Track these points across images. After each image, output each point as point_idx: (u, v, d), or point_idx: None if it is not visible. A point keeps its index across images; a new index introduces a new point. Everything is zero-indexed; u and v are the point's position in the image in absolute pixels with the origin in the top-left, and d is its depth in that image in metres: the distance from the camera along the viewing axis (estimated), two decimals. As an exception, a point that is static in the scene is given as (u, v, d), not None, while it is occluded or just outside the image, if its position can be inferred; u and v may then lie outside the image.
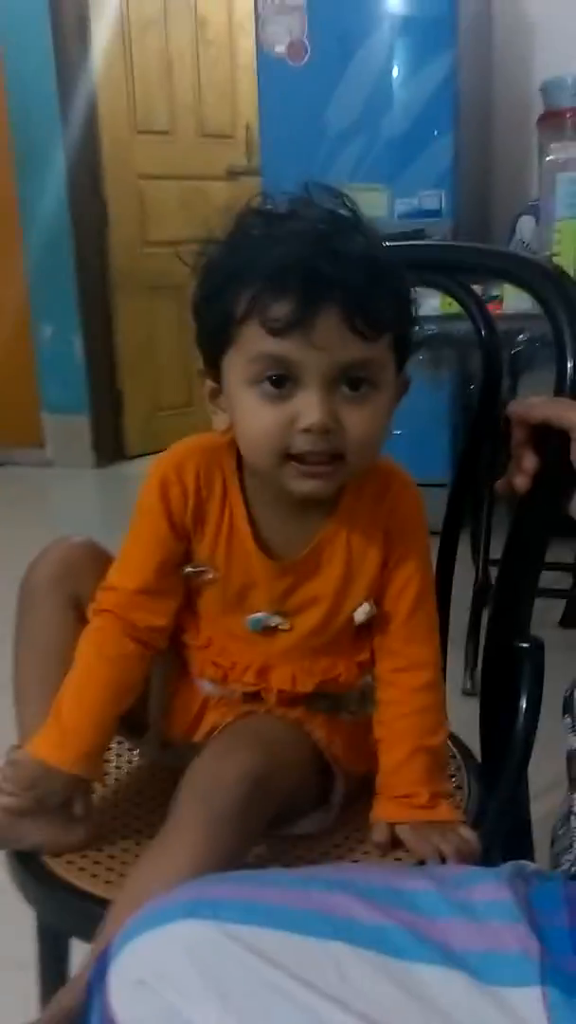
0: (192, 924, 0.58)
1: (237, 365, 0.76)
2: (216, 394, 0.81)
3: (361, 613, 0.86)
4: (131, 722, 0.92)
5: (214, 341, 0.77)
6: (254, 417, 0.75)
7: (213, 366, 0.79)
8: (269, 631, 0.87)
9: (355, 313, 0.71)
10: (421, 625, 0.87)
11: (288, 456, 0.75)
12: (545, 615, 2.33)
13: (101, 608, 0.85)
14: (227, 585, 0.86)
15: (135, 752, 0.99)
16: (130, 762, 0.98)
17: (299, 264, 0.71)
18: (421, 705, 0.85)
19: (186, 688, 0.90)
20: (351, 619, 0.86)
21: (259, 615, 0.86)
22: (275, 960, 0.56)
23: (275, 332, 0.72)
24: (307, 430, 0.73)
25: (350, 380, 0.74)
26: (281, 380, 0.73)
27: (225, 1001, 0.54)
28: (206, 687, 0.89)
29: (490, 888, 0.63)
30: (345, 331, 0.72)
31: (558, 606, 2.33)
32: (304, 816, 0.85)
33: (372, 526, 0.85)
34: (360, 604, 0.86)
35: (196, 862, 0.72)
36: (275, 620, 0.86)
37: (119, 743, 0.99)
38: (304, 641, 0.87)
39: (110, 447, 4.06)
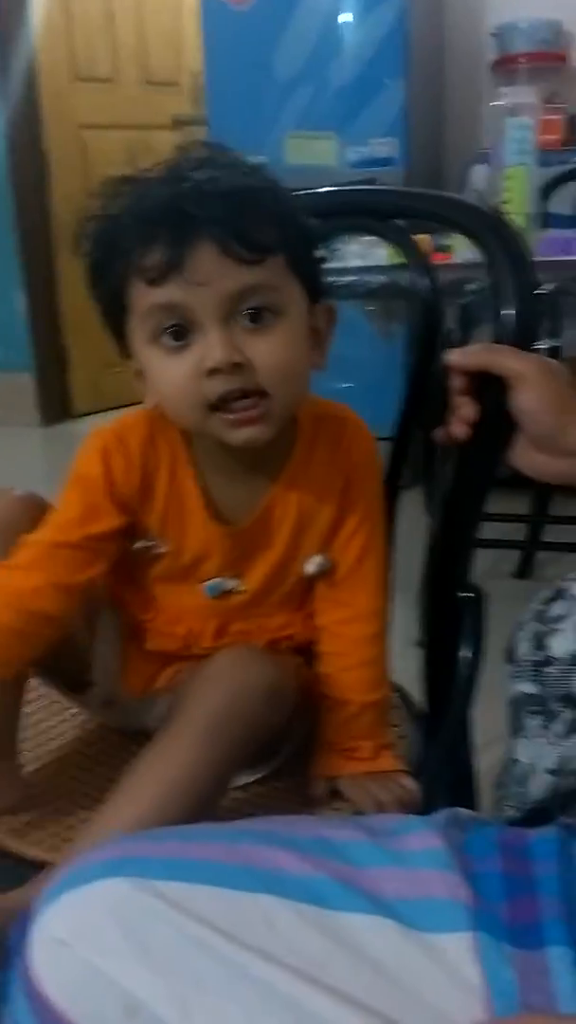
0: (116, 882, 0.56)
1: (136, 329, 0.75)
2: (140, 373, 0.79)
3: (312, 565, 0.85)
4: (70, 681, 0.91)
5: (113, 316, 0.76)
6: (164, 373, 0.74)
7: (125, 344, 0.78)
8: (225, 594, 0.86)
9: (229, 240, 0.70)
10: (370, 575, 0.86)
11: (211, 408, 0.73)
12: (500, 566, 2.35)
13: (15, 560, 0.80)
14: (179, 556, 0.84)
15: (72, 712, 0.97)
16: (65, 720, 0.96)
17: (163, 208, 0.70)
18: (366, 657, 0.85)
19: (140, 647, 0.89)
20: (301, 574, 0.85)
21: (216, 580, 0.85)
22: (201, 916, 0.55)
23: (154, 281, 0.71)
24: (215, 370, 0.71)
25: (250, 312, 0.72)
26: (179, 330, 0.72)
27: (149, 958, 0.53)
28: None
29: (423, 836, 0.62)
30: (224, 261, 0.70)
31: (512, 557, 2.35)
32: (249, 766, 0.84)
33: (329, 475, 0.83)
34: (311, 556, 0.85)
35: (197, 766, 0.73)
36: (231, 583, 0.85)
37: (55, 703, 0.97)
38: (258, 599, 0.86)
39: (56, 406, 3.99)
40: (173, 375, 0.73)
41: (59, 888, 0.58)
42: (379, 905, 0.57)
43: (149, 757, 0.76)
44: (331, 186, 1.00)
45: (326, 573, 0.86)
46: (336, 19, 2.76)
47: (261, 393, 0.73)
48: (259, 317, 0.72)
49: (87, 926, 0.55)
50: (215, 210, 0.69)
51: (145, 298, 0.72)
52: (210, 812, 0.76)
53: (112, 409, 3.96)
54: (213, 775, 0.75)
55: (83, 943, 0.54)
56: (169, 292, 0.71)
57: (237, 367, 0.72)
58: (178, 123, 4.09)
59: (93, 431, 0.83)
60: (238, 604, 0.86)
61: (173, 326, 0.72)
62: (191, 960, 0.53)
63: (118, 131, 3.95)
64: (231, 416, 0.74)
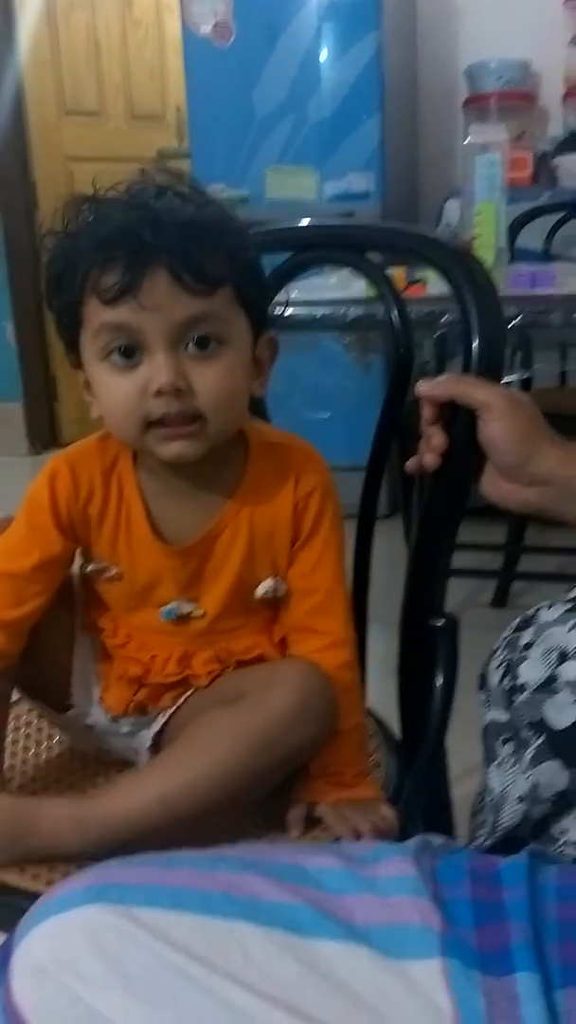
0: (95, 909, 0.57)
1: (87, 344, 0.78)
2: (89, 384, 0.82)
3: (262, 589, 0.86)
4: (53, 701, 0.92)
5: (67, 328, 0.80)
6: (110, 390, 0.78)
7: (76, 355, 0.81)
8: (183, 618, 0.87)
9: (181, 270, 0.73)
10: (341, 602, 0.87)
11: (149, 424, 0.77)
12: (477, 595, 2.37)
13: None
14: (132, 580, 0.86)
15: (56, 739, 0.97)
16: (42, 744, 0.97)
17: (122, 233, 0.74)
18: (345, 684, 0.85)
19: (119, 669, 0.90)
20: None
21: (170, 604, 0.86)
22: (179, 943, 0.56)
23: (108, 301, 0.74)
24: (159, 392, 0.75)
25: (196, 339, 0.76)
26: (128, 350, 0.76)
27: (128, 985, 0.54)
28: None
29: (395, 863, 0.64)
30: (175, 289, 0.73)
31: (489, 586, 2.37)
32: None
33: (279, 500, 0.85)
34: (262, 581, 0.86)
35: (237, 767, 0.77)
36: (187, 607, 0.87)
37: (39, 730, 0.98)
38: (217, 623, 0.87)
39: (44, 434, 4.01)
40: (119, 392, 0.77)
41: (40, 914, 0.59)
42: (352, 932, 0.58)
43: (199, 737, 0.80)
44: (309, 220, 1.03)
45: (288, 601, 0.87)
46: (314, 57, 2.82)
47: (198, 416, 0.77)
48: (205, 344, 0.76)
49: (66, 952, 0.56)
50: (171, 240, 0.73)
51: (98, 316, 0.75)
52: (218, 815, 0.79)
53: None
54: (247, 782, 0.78)
55: (62, 970, 0.55)
56: (121, 313, 0.74)
57: (179, 391, 0.75)
58: (163, 156, 4.14)
59: (52, 457, 0.86)
60: (198, 629, 0.87)
61: (122, 346, 0.75)
62: (170, 987, 0.54)
63: (105, 163, 3.99)
64: (165, 430, 0.77)
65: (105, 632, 0.90)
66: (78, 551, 0.88)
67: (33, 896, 0.63)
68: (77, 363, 0.82)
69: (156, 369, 0.75)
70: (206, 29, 2.89)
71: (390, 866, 0.63)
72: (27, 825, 0.78)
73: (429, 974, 0.55)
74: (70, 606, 0.91)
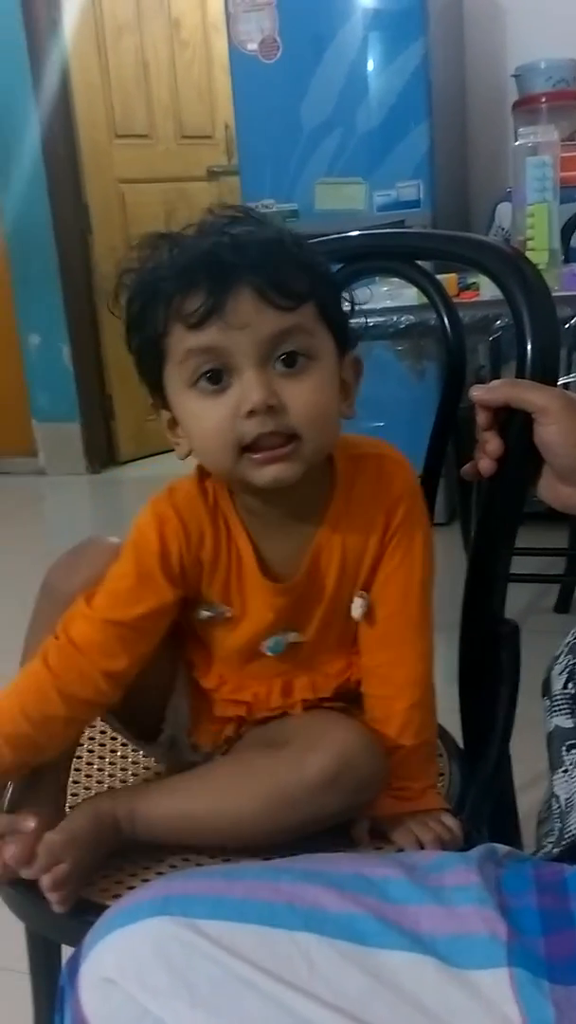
0: (160, 921, 0.58)
1: (173, 375, 0.77)
2: (173, 424, 0.81)
3: (356, 608, 0.84)
4: (142, 730, 0.92)
5: (151, 364, 0.78)
6: (200, 418, 0.76)
7: (160, 394, 0.80)
8: (288, 649, 0.86)
9: (265, 286, 0.72)
10: (416, 614, 0.85)
11: (242, 449, 0.75)
12: (539, 600, 2.33)
13: (54, 645, 0.82)
14: (244, 620, 0.84)
15: (132, 760, 0.98)
16: (133, 761, 0.98)
17: (203, 258, 0.73)
18: (416, 700, 0.84)
19: (207, 710, 0.89)
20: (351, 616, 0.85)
21: (276, 637, 0.85)
22: (243, 954, 0.56)
23: (194, 326, 0.73)
24: (251, 412, 0.73)
25: (283, 356, 0.74)
26: (216, 374, 0.74)
27: (194, 996, 0.54)
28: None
29: (460, 873, 0.63)
30: (261, 305, 0.72)
31: (552, 591, 2.33)
32: None
33: (370, 514, 0.83)
34: (355, 599, 0.85)
35: (282, 811, 0.77)
36: (291, 636, 0.85)
37: (112, 751, 0.98)
38: (316, 647, 0.86)
39: (102, 453, 4.07)
40: (210, 419, 0.75)
41: (107, 927, 0.60)
42: (418, 942, 0.57)
43: (231, 774, 0.81)
44: (358, 230, 1.03)
45: (367, 613, 0.85)
46: (361, 67, 2.82)
47: (293, 435, 0.75)
48: (293, 361, 0.74)
49: (133, 964, 0.56)
50: (252, 258, 0.72)
51: (184, 342, 0.74)
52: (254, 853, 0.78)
53: (155, 455, 4.04)
54: (264, 831, 0.78)
55: (129, 981, 0.56)
56: (209, 335, 0.73)
57: (272, 409, 0.73)
58: (212, 174, 4.19)
59: (150, 500, 0.83)
60: (299, 657, 0.86)
61: (210, 370, 0.74)
62: (235, 998, 0.54)
63: (155, 184, 4.06)
64: (259, 455, 0.75)
65: (198, 671, 0.89)
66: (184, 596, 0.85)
67: (99, 909, 0.63)
68: (161, 403, 0.80)
69: (247, 388, 0.73)
70: (253, 46, 2.91)
71: (454, 876, 0.63)
72: (103, 828, 0.81)
73: (496, 984, 0.55)
74: (174, 642, 0.89)
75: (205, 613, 0.85)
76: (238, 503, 0.83)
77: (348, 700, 0.88)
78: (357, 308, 0.83)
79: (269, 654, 0.85)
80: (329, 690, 0.87)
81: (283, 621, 0.85)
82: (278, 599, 0.83)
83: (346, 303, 0.81)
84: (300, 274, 0.75)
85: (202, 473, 0.83)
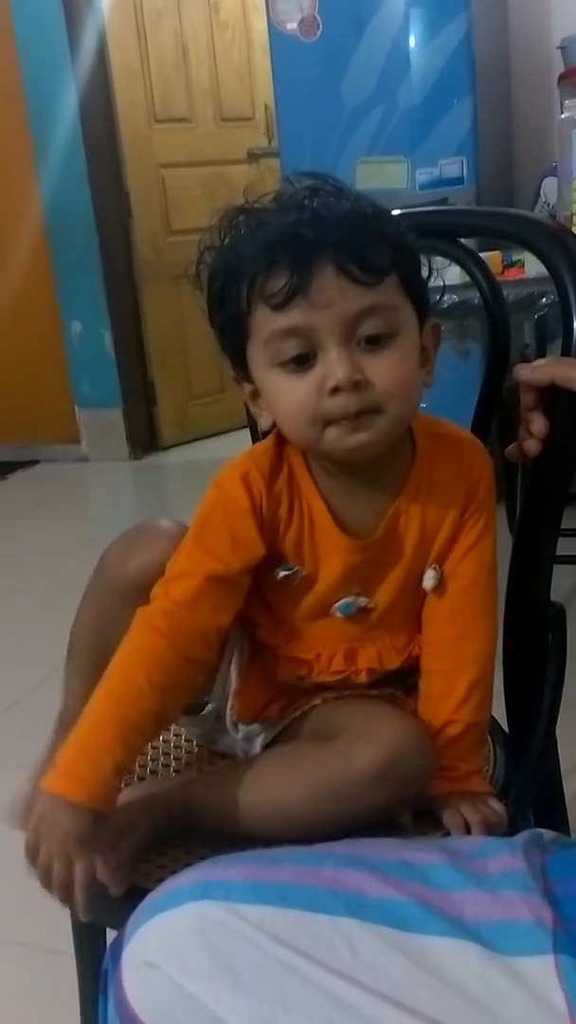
0: (202, 905, 0.58)
1: (258, 353, 0.77)
2: (256, 396, 0.81)
3: (428, 580, 0.85)
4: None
5: (233, 341, 0.79)
6: (286, 395, 0.76)
7: (243, 368, 0.80)
8: (357, 613, 0.86)
9: (348, 263, 0.72)
10: (485, 592, 0.85)
11: (327, 423, 0.76)
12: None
13: (159, 609, 0.80)
14: (318, 580, 0.84)
15: (178, 736, 0.98)
16: (176, 746, 0.98)
17: (283, 235, 0.72)
18: (478, 676, 0.84)
19: (260, 672, 0.90)
20: (422, 588, 0.85)
21: (347, 599, 0.85)
22: (285, 939, 0.56)
23: (278, 306, 0.73)
24: (336, 389, 0.73)
25: (367, 335, 0.74)
26: (301, 355, 0.74)
27: (235, 980, 0.54)
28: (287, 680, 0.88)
29: (504, 859, 0.62)
30: (344, 283, 0.72)
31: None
32: None
33: (452, 490, 0.84)
34: (427, 571, 0.85)
35: (330, 801, 0.76)
36: (362, 601, 0.85)
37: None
38: (385, 617, 0.86)
39: (144, 439, 4.08)
40: (295, 395, 0.75)
41: (149, 911, 0.60)
42: (461, 928, 0.57)
43: (280, 764, 0.82)
44: (399, 209, 1.01)
45: (437, 587, 0.85)
46: (402, 44, 2.77)
47: (376, 410, 0.75)
48: (376, 337, 0.74)
49: (175, 949, 0.56)
50: (333, 234, 0.72)
51: (269, 323, 0.74)
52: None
53: (197, 440, 4.05)
54: (310, 822, 0.77)
55: (172, 965, 0.56)
56: (293, 316, 0.73)
57: (356, 385, 0.74)
58: (252, 156, 4.17)
59: (230, 463, 0.84)
60: (368, 623, 0.86)
61: (297, 352, 0.74)
62: (277, 983, 0.54)
63: (195, 168, 4.05)
64: (346, 423, 0.75)
65: (263, 629, 0.89)
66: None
67: (142, 893, 0.63)
68: (244, 376, 0.81)
69: (331, 366, 0.73)
70: (292, 25, 2.88)
71: (499, 862, 0.62)
72: (155, 817, 0.83)
73: (542, 971, 0.54)
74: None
75: (283, 573, 0.84)
76: (315, 467, 0.83)
77: (406, 680, 0.88)
78: (435, 274, 0.81)
79: (339, 615, 0.85)
80: (396, 662, 0.87)
81: (355, 581, 0.85)
82: (353, 555, 0.83)
83: (425, 269, 0.80)
84: (382, 247, 0.74)
85: (279, 438, 0.83)
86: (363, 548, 0.83)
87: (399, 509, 0.83)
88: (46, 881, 0.76)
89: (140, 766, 0.94)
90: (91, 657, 0.89)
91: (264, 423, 0.82)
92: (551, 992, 0.53)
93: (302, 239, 0.72)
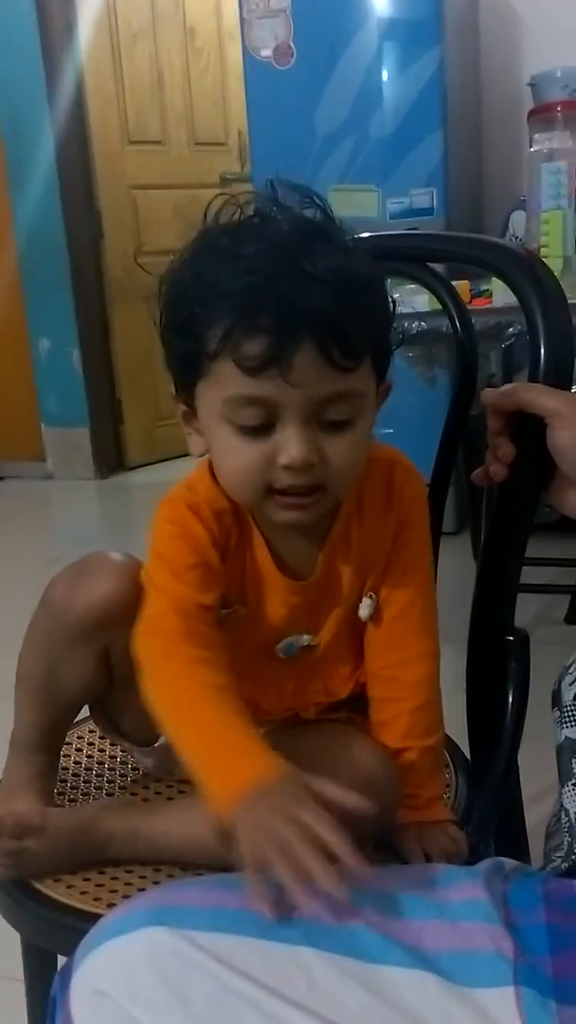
0: (155, 932, 0.56)
1: (212, 399, 0.73)
2: (190, 417, 0.78)
3: (364, 608, 0.84)
4: (135, 735, 0.91)
5: (186, 371, 0.74)
6: (233, 455, 0.73)
7: (185, 391, 0.76)
8: (300, 652, 0.84)
9: (331, 346, 0.68)
10: (422, 616, 0.84)
11: (270, 490, 0.73)
12: (549, 612, 2.31)
13: (159, 636, 0.76)
14: (258, 619, 0.82)
15: (121, 760, 0.97)
16: (113, 769, 0.96)
17: (269, 293, 0.67)
18: (423, 701, 0.83)
19: None
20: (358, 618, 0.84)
21: (289, 639, 0.84)
22: (240, 968, 0.54)
23: (250, 372, 0.68)
24: (288, 467, 0.71)
25: (330, 415, 0.71)
26: (261, 426, 0.71)
27: (188, 1011, 0.53)
28: None
29: (466, 887, 0.61)
30: (322, 365, 0.68)
31: (562, 602, 2.31)
32: None
33: (382, 518, 0.82)
34: (363, 600, 0.84)
35: None
36: (305, 639, 0.84)
37: (107, 754, 0.97)
38: (329, 650, 0.85)
39: (111, 458, 4.06)
40: (243, 460, 0.72)
41: (100, 937, 0.58)
42: (420, 958, 0.56)
43: None
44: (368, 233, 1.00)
45: (374, 614, 0.84)
46: (375, 75, 2.81)
47: (322, 487, 0.73)
48: (339, 424, 0.72)
49: (126, 976, 0.55)
50: (320, 301, 0.67)
51: (234, 384, 0.70)
52: None
53: (163, 460, 4.03)
54: None
55: (122, 994, 0.54)
56: (263, 387, 0.69)
57: (310, 466, 0.71)
58: (225, 181, 4.19)
59: (169, 496, 0.80)
60: (311, 661, 0.85)
61: (255, 418, 0.70)
62: (232, 1013, 0.53)
63: (168, 191, 4.06)
64: (287, 499, 0.73)
65: None
66: None
67: (93, 918, 0.62)
68: (185, 400, 0.77)
69: (288, 442, 0.70)
70: (267, 53, 2.91)
71: (460, 891, 0.61)
72: (85, 834, 0.81)
73: (501, 1002, 0.53)
74: None
75: (222, 611, 0.82)
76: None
77: (357, 706, 0.87)
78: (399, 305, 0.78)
79: (282, 656, 0.84)
80: (343, 692, 0.86)
81: (298, 621, 0.83)
82: (293, 597, 0.82)
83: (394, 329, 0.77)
84: (366, 327, 0.71)
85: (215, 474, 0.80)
86: (302, 589, 0.82)
87: (334, 545, 0.81)
88: (291, 863, 0.59)
89: (85, 782, 0.92)
90: (41, 690, 0.86)
91: (194, 449, 0.78)
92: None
93: (287, 303, 0.67)
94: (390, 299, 0.76)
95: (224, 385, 0.71)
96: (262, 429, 0.71)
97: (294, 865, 0.57)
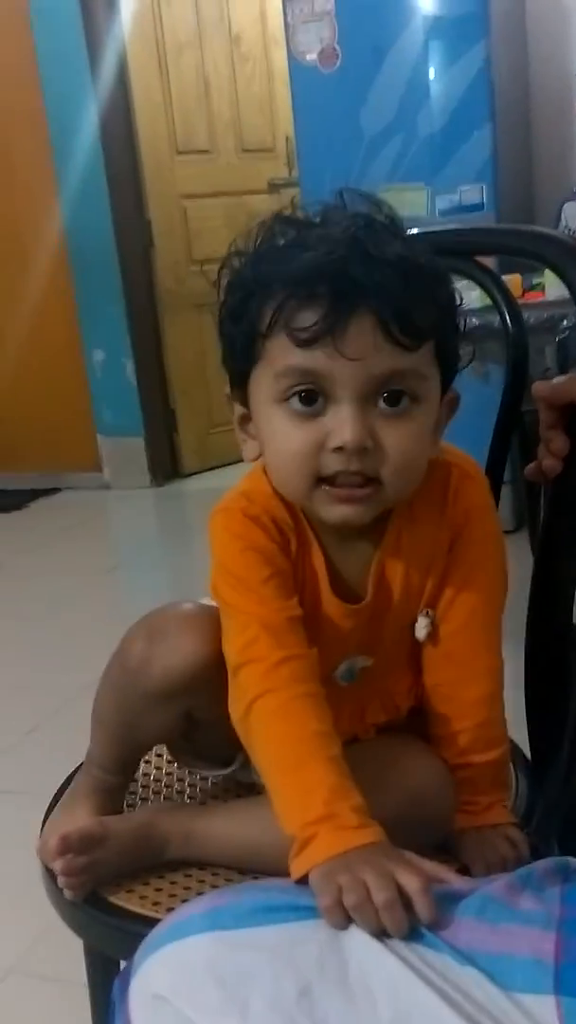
0: (213, 936, 0.56)
1: (264, 382, 0.71)
2: (245, 421, 0.76)
3: (421, 629, 0.80)
4: (212, 759, 0.90)
5: (241, 359, 0.72)
6: (283, 438, 0.70)
7: (241, 389, 0.75)
8: (358, 674, 0.82)
9: (391, 319, 0.65)
10: (482, 630, 0.80)
11: (320, 480, 0.70)
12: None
13: (257, 663, 0.72)
14: (317, 641, 0.76)
15: (190, 782, 0.95)
16: (181, 791, 0.96)
17: (327, 267, 0.65)
18: (482, 719, 0.80)
19: None
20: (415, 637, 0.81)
21: (347, 664, 0.81)
22: (299, 962, 0.53)
23: (303, 343, 0.66)
24: (339, 449, 0.67)
25: (388, 394, 0.68)
26: (311, 396, 0.68)
27: (245, 1014, 0.52)
28: None
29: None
30: (380, 339, 0.66)
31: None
32: None
33: (435, 530, 0.78)
34: (416, 619, 0.81)
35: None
36: (360, 661, 0.82)
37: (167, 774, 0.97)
38: (384, 670, 0.83)
39: (166, 466, 4.08)
40: (293, 442, 0.69)
41: (157, 942, 0.58)
42: (464, 956, 0.54)
43: None
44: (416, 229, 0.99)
45: (432, 632, 0.81)
46: (421, 72, 2.79)
47: (376, 479, 0.69)
48: (397, 400, 0.68)
49: (184, 980, 0.54)
50: (382, 280, 0.65)
51: (286, 356, 0.67)
52: None
53: (218, 467, 4.04)
54: None
55: (180, 998, 0.54)
56: (316, 358, 0.66)
57: (364, 450, 0.68)
58: (273, 187, 4.20)
59: (224, 505, 0.77)
60: (368, 681, 0.83)
61: (306, 391, 0.68)
62: (288, 1017, 0.52)
63: (217, 198, 4.08)
64: (336, 491, 0.70)
65: None
66: None
67: (152, 923, 0.62)
68: (240, 398, 0.75)
69: (341, 423, 0.67)
70: (312, 56, 2.91)
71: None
72: (145, 839, 0.81)
73: (541, 1011, 0.51)
74: None
75: None
76: (310, 516, 0.77)
77: (415, 713, 0.85)
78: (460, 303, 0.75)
79: (342, 683, 0.81)
80: (401, 712, 0.84)
81: (353, 645, 0.80)
82: (348, 620, 0.79)
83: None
84: (429, 309, 0.68)
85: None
86: (356, 613, 0.79)
87: (383, 561, 0.78)
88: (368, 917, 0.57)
89: (154, 792, 0.92)
90: (118, 734, 0.85)
91: (249, 453, 0.76)
92: None
93: (347, 277, 0.64)
94: (457, 294, 0.74)
95: (276, 361, 0.69)
96: (315, 410, 0.68)
97: (376, 922, 0.55)
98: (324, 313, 0.65)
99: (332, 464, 0.69)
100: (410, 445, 0.69)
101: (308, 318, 0.65)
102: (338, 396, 0.67)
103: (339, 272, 0.65)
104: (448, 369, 0.73)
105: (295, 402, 0.68)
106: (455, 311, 0.73)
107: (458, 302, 0.74)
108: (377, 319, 0.65)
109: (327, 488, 0.70)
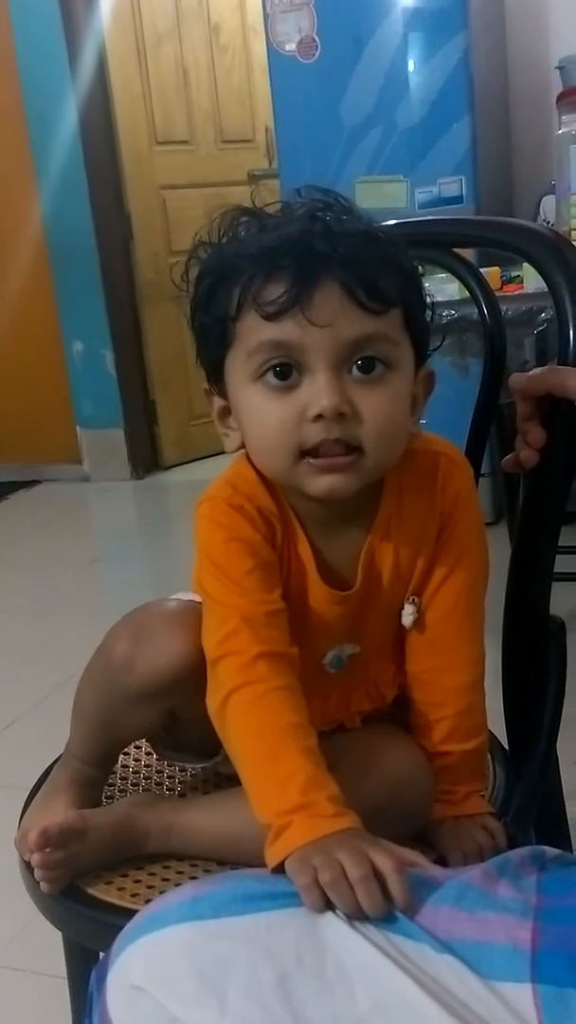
0: (191, 926, 0.56)
1: (238, 364, 0.71)
2: (225, 414, 0.77)
3: (407, 616, 0.81)
4: (196, 753, 0.89)
5: (214, 347, 0.73)
6: (262, 414, 0.71)
7: (218, 381, 0.75)
8: (347, 660, 0.83)
9: (355, 284, 0.67)
10: (465, 619, 0.81)
11: (303, 453, 0.70)
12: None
13: (234, 656, 0.72)
14: (300, 629, 0.77)
15: (168, 774, 0.96)
16: (160, 783, 0.96)
17: (290, 243, 0.67)
18: (464, 706, 0.81)
19: None
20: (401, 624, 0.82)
21: (334, 652, 0.82)
22: (277, 950, 0.54)
23: (271, 316, 0.67)
24: (319, 417, 0.68)
25: (361, 361, 0.69)
26: (285, 369, 0.69)
27: (223, 1004, 0.52)
28: None
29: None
30: (348, 305, 0.67)
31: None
32: None
33: (424, 517, 0.79)
34: (402, 606, 0.81)
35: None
36: (347, 649, 0.82)
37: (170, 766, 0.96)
38: (370, 658, 0.84)
39: (146, 458, 4.07)
40: (272, 418, 0.70)
41: (135, 932, 0.58)
42: (442, 944, 0.55)
43: None
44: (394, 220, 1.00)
45: (418, 619, 0.82)
46: (400, 64, 2.79)
47: (356, 447, 0.70)
48: (371, 367, 0.69)
49: (162, 971, 0.54)
50: (344, 250, 0.66)
51: (257, 332, 0.69)
52: None
53: (198, 460, 4.04)
54: None
55: (158, 988, 0.54)
56: (285, 329, 0.67)
57: (342, 416, 0.68)
58: (253, 178, 4.19)
59: (209, 494, 0.77)
60: (354, 668, 0.83)
61: (279, 365, 0.69)
62: (265, 1006, 0.52)
63: (196, 189, 4.06)
64: (318, 461, 0.70)
65: None
66: None
67: (129, 913, 0.62)
68: (218, 390, 0.76)
69: (317, 391, 0.68)
70: (291, 46, 2.90)
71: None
72: (124, 831, 0.81)
73: (519, 999, 0.51)
74: None
75: None
76: (295, 502, 0.77)
77: (397, 702, 0.86)
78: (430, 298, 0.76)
79: (330, 671, 0.82)
80: (386, 700, 0.85)
81: (342, 632, 0.81)
82: (337, 607, 0.79)
83: (428, 311, 0.75)
84: (392, 275, 0.69)
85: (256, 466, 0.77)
86: (344, 599, 0.79)
87: (372, 548, 0.78)
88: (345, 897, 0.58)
89: (133, 784, 0.92)
90: (98, 729, 0.85)
91: (230, 445, 0.77)
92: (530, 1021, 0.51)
93: (310, 249, 0.66)
94: (417, 265, 0.75)
95: (248, 339, 0.70)
96: (290, 383, 0.69)
97: (352, 899, 0.56)
98: (290, 284, 0.67)
99: (313, 434, 0.69)
100: (387, 409, 0.70)
101: (275, 291, 0.67)
102: (312, 366, 0.68)
103: (302, 244, 0.67)
104: (419, 341, 0.74)
105: (270, 377, 0.69)
106: (419, 280, 0.74)
107: (419, 270, 0.75)
108: (342, 285, 0.67)
109: (310, 460, 0.71)
